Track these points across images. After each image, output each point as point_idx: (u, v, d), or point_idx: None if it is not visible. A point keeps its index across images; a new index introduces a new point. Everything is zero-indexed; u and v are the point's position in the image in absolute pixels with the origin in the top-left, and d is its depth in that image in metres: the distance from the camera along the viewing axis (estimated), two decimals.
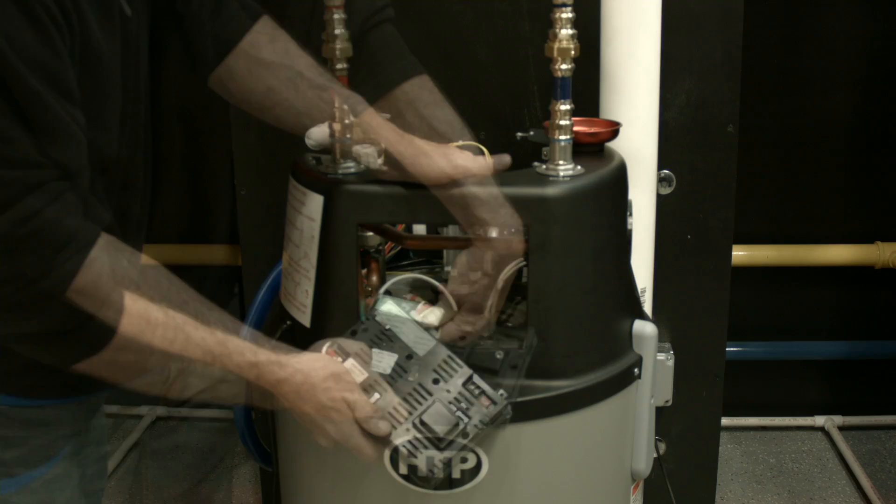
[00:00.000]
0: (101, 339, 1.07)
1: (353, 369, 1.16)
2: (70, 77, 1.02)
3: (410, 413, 1.13)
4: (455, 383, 1.15)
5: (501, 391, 1.14)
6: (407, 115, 1.14)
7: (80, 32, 1.02)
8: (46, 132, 1.02)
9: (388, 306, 1.20)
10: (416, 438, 1.12)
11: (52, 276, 1.06)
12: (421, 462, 1.10)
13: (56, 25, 0.99)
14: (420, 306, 1.22)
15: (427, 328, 1.19)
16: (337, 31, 1.24)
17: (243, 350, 1.12)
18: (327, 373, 1.13)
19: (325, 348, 1.18)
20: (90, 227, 1.08)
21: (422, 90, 1.16)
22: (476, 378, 1.15)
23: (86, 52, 1.04)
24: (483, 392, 1.14)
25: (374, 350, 1.17)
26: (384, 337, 1.18)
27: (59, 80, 1.01)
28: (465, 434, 1.11)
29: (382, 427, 1.12)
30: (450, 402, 1.13)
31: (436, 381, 1.15)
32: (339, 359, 1.17)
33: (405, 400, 1.14)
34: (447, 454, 1.11)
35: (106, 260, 1.07)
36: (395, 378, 1.16)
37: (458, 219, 1.16)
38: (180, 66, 1.26)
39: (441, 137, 1.14)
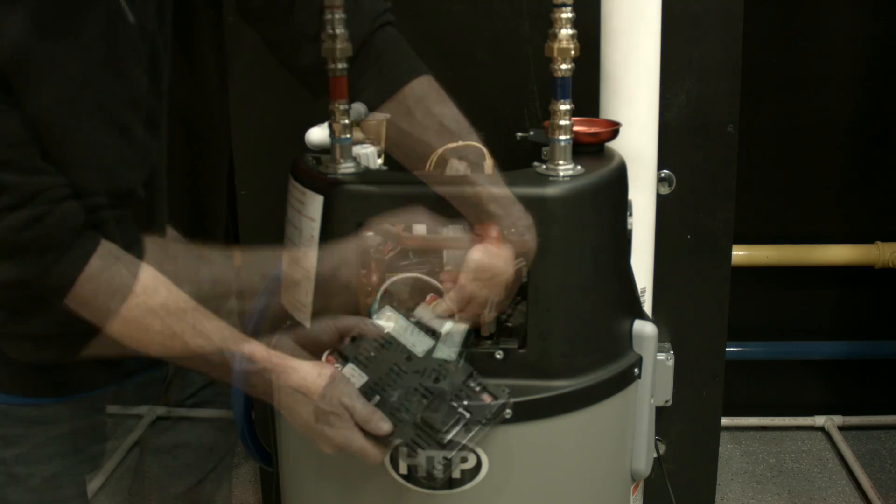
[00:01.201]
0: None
1: (353, 374, 1.16)
2: (74, 84, 1.02)
3: (412, 413, 1.13)
4: (455, 381, 1.14)
5: (504, 387, 1.14)
6: (416, 114, 1.15)
7: (80, 37, 1.02)
8: (50, 139, 1.02)
9: (387, 312, 1.20)
10: (419, 436, 1.11)
11: (50, 284, 1.06)
12: (423, 461, 1.10)
13: (60, 32, 0.99)
14: (429, 297, 1.22)
15: (430, 329, 1.19)
16: (337, 31, 1.24)
17: (240, 360, 1.12)
18: (324, 379, 1.13)
19: (324, 356, 1.18)
20: (90, 235, 1.08)
21: (430, 89, 1.17)
22: (476, 374, 1.15)
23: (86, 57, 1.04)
24: (485, 388, 1.14)
25: (374, 353, 1.17)
26: (383, 340, 1.18)
27: (62, 87, 1.01)
28: (467, 429, 1.11)
29: (384, 426, 1.11)
30: (451, 400, 1.13)
31: (436, 380, 1.14)
32: (339, 365, 1.17)
33: (406, 400, 1.14)
34: (449, 452, 1.10)
35: (105, 269, 1.07)
36: (395, 380, 1.15)
37: (468, 217, 1.16)
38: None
39: (451, 134, 1.15)
